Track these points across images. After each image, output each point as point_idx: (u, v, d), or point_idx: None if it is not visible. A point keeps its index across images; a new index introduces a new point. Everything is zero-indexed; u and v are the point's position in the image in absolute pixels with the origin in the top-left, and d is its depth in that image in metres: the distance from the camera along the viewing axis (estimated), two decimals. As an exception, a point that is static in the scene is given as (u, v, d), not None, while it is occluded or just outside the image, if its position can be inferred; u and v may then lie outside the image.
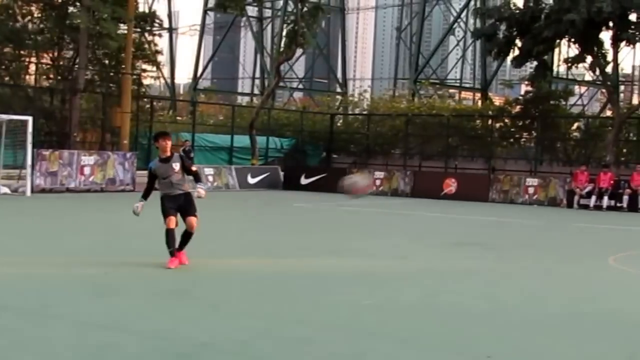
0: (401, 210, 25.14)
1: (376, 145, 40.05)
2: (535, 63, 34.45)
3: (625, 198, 27.33)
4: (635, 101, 37.89)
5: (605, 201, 27.56)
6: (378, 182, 32.52)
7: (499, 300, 9.78)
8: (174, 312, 8.45)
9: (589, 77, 40.68)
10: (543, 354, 7.31)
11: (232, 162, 35.79)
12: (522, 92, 41.38)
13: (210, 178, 31.52)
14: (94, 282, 9.93)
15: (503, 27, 33.80)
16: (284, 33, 43.69)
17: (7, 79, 33.66)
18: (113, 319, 8.01)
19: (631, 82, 36.19)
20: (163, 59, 52.13)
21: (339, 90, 61.60)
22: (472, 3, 53.20)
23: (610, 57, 33.80)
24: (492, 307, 9.28)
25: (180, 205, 11.22)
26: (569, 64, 36.64)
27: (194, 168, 11.75)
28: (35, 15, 34.73)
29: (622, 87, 36.21)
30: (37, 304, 8.55)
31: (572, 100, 45.56)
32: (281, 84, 48.29)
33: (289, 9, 52.07)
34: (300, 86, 68.05)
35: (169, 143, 11.35)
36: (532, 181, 30.15)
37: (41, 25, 34.85)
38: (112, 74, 35.22)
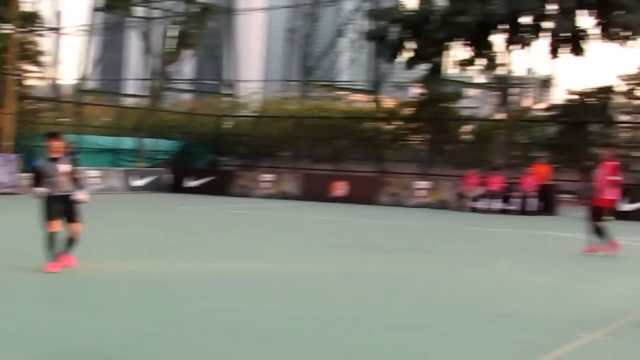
0: (290, 213, 24.90)
1: (265, 148, 39.67)
2: (428, 65, 34.63)
3: (516, 201, 27.66)
4: (526, 104, 38.47)
5: (496, 204, 27.83)
6: (267, 185, 32.21)
7: (383, 303, 9.66)
8: (53, 316, 8.28)
9: (482, 79, 41.14)
10: (427, 354, 7.31)
11: (118, 165, 34.94)
12: (414, 95, 41.53)
13: (95, 180, 30.63)
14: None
15: (395, 29, 33.86)
16: (173, 34, 43.04)
17: None
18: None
19: (522, 85, 36.66)
20: (49, 59, 50.63)
21: (227, 92, 61.00)
22: (364, 5, 53.32)
23: (502, 60, 34.21)
24: (377, 311, 9.15)
25: (65, 209, 11.14)
26: (462, 67, 36.77)
27: (76, 175, 11.59)
28: None
29: (516, 90, 36.64)
30: None
31: (466, 103, 45.95)
32: (169, 85, 47.48)
33: (178, 9, 51.22)
34: (189, 88, 67.20)
35: (60, 143, 11.38)
36: (422, 184, 30.30)
37: None
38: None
